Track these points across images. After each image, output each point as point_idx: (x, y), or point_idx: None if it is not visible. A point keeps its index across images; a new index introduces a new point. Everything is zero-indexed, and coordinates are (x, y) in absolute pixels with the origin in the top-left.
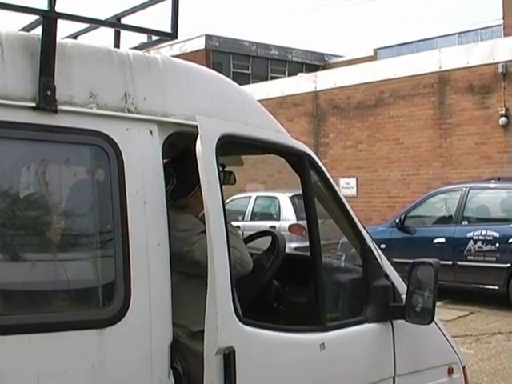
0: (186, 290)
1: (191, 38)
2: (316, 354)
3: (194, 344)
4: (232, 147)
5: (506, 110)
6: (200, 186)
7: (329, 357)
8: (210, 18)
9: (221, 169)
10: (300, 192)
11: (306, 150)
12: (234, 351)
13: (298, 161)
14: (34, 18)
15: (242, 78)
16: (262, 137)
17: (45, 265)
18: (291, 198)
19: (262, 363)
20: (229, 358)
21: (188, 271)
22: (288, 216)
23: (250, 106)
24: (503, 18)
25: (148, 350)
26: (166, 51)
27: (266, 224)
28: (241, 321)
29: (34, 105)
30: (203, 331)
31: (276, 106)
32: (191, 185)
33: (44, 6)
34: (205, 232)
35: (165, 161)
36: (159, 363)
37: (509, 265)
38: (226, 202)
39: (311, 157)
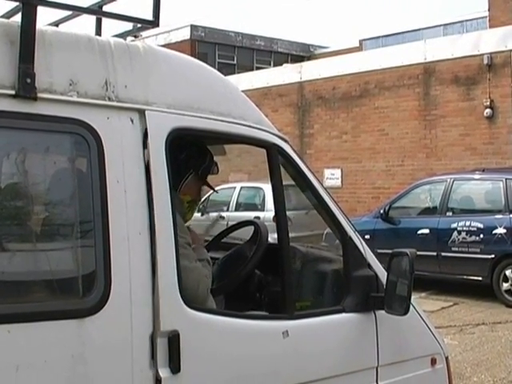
0: None
1: (176, 28)
2: (278, 342)
3: None
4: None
5: (491, 101)
6: (184, 182)
7: (294, 346)
8: (195, 8)
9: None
10: (284, 183)
11: (275, 141)
12: (177, 335)
13: (267, 152)
14: (13, 4)
15: (227, 69)
16: (223, 129)
17: (24, 254)
18: None
19: (212, 349)
20: (172, 342)
21: None
22: (272, 207)
23: (231, 95)
24: (489, 10)
25: (129, 340)
26: (151, 41)
27: (250, 214)
28: (187, 305)
29: (13, 92)
30: None
31: (261, 96)
32: (178, 180)
33: None
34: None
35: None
36: (140, 353)
37: (493, 256)
38: (209, 193)
39: (281, 148)
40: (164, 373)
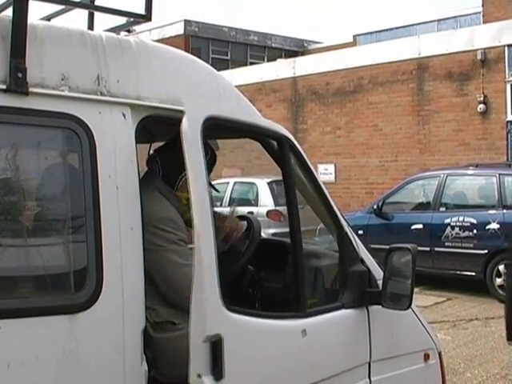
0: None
1: (170, 23)
2: (299, 341)
3: (157, 334)
4: (214, 131)
5: (485, 97)
6: (183, 179)
7: (309, 344)
8: (188, 2)
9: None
10: (278, 178)
11: (286, 133)
12: (221, 339)
13: (278, 144)
14: None
15: (221, 64)
16: (245, 120)
17: (15, 250)
18: (269, 184)
19: (249, 350)
20: (216, 346)
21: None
22: (266, 202)
23: (225, 90)
24: (482, 6)
25: (121, 336)
26: (144, 36)
27: (243, 210)
28: (227, 308)
29: (4, 87)
30: (165, 322)
31: (254, 91)
32: (175, 177)
33: None
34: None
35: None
36: (132, 349)
37: (486, 251)
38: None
39: (291, 141)
40: (208, 381)
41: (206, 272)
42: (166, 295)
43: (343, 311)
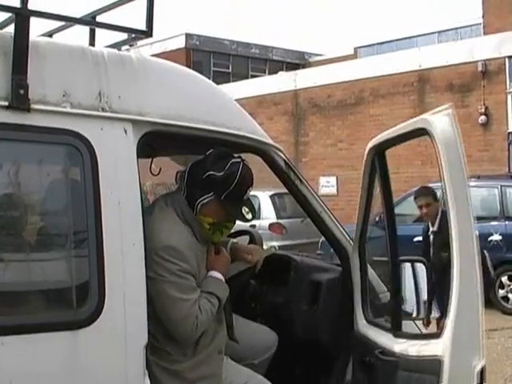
0: None
1: (171, 36)
2: None
3: (151, 357)
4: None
5: (486, 108)
6: (200, 203)
7: None
8: (190, 16)
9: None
10: (280, 191)
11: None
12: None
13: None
14: (6, 15)
15: (222, 77)
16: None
17: (17, 266)
18: (271, 197)
19: None
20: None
21: None
22: (268, 215)
23: (226, 105)
24: (483, 17)
25: (123, 352)
26: (145, 50)
27: (245, 223)
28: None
29: (6, 104)
30: (161, 349)
31: (256, 104)
32: (195, 200)
33: (16, 3)
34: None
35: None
36: (134, 365)
37: None
38: None
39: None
40: None
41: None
42: (164, 324)
43: None
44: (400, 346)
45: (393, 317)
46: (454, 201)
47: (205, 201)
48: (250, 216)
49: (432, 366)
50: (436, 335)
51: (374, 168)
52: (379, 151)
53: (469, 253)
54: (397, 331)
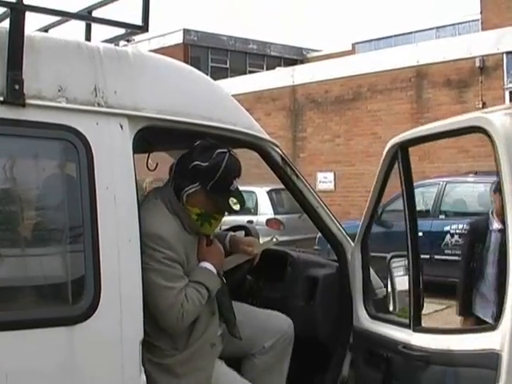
0: None
1: (169, 32)
2: None
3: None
4: None
5: (483, 104)
6: (186, 193)
7: None
8: (187, 12)
9: None
10: (277, 186)
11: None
12: None
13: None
14: (1, 10)
15: (220, 73)
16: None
17: (12, 262)
18: (268, 193)
19: None
20: None
21: None
22: (265, 210)
23: (222, 100)
24: (481, 13)
25: (119, 347)
26: (143, 46)
27: (243, 218)
28: None
29: (1, 99)
30: (151, 343)
31: (254, 100)
32: (180, 190)
33: None
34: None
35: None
36: (130, 360)
37: None
38: None
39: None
40: None
41: None
42: (154, 316)
43: None
44: (427, 341)
45: (413, 312)
46: None
47: (190, 191)
48: (237, 207)
49: (487, 361)
50: (488, 328)
51: (391, 166)
52: (403, 148)
53: None
54: (416, 326)
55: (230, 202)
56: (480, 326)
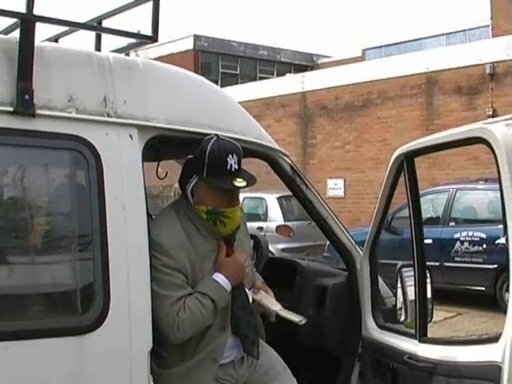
0: None
1: (179, 38)
2: None
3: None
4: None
5: (494, 110)
6: (188, 188)
7: None
8: (198, 18)
9: None
10: (287, 193)
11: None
12: None
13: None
14: (11, 20)
15: (230, 79)
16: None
17: (22, 272)
18: (278, 199)
19: None
20: None
21: None
22: (275, 217)
23: (232, 110)
24: (491, 19)
25: (128, 357)
26: (153, 52)
27: (253, 225)
28: None
29: (11, 109)
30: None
31: (264, 106)
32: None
33: (22, 8)
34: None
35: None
36: (139, 370)
37: (496, 266)
38: None
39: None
40: None
41: None
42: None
43: None
44: (432, 352)
45: (419, 322)
46: None
47: (191, 186)
48: (242, 183)
49: (490, 373)
50: (491, 340)
51: (397, 176)
52: (408, 158)
53: None
54: (422, 337)
55: (234, 182)
56: (484, 337)
